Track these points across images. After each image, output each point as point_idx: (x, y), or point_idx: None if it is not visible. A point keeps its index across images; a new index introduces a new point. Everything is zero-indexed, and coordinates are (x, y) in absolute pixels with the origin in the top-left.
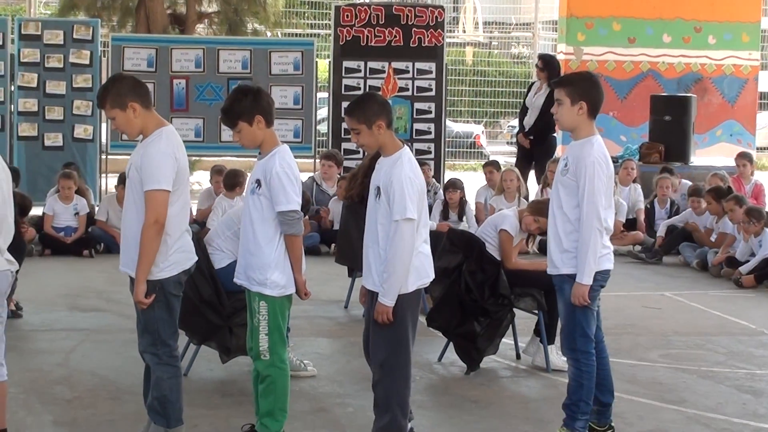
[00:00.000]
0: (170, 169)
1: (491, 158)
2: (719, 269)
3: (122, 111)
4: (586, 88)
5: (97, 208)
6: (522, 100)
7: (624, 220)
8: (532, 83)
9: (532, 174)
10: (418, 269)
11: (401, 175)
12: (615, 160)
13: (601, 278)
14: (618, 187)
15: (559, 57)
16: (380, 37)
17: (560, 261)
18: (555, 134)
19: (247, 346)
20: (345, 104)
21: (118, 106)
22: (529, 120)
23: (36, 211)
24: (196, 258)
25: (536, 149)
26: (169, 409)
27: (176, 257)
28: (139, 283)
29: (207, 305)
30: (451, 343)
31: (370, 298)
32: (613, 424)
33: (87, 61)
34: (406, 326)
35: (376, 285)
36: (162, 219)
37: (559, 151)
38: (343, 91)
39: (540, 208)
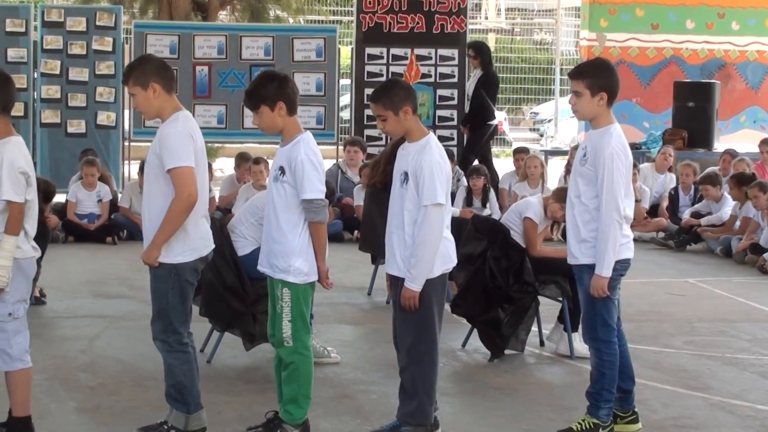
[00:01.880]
0: (189, 147)
1: (516, 145)
2: (743, 256)
3: (143, 90)
4: (605, 77)
5: (120, 195)
6: (538, 87)
7: (647, 207)
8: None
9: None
10: (443, 254)
11: (431, 161)
12: (638, 146)
13: (621, 267)
14: (653, 174)
15: (582, 43)
16: (403, 23)
17: (578, 251)
18: (491, 121)
19: (268, 333)
20: (368, 91)
21: (140, 84)
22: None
23: (59, 198)
24: (214, 245)
25: (471, 136)
26: (187, 395)
27: (194, 243)
28: (154, 246)
29: (230, 292)
30: (475, 330)
31: (395, 284)
32: (636, 410)
33: (110, 48)
34: (432, 311)
35: (401, 271)
36: (194, 194)
37: (581, 138)
38: (365, 78)
39: (566, 196)
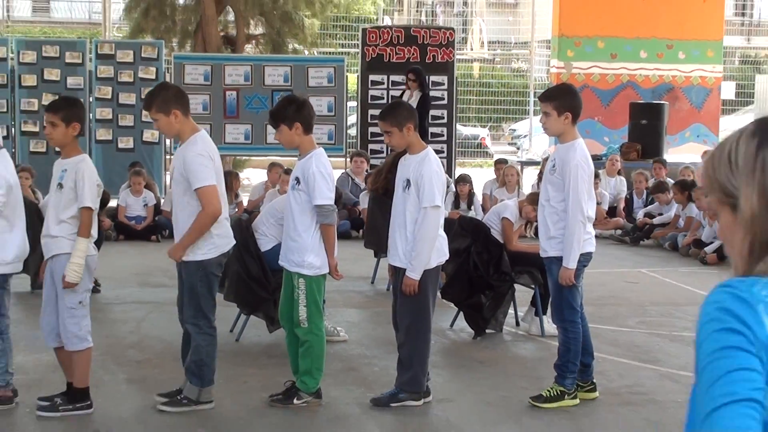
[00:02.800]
0: (210, 167)
1: (496, 157)
2: (687, 249)
3: (166, 116)
4: (569, 100)
5: (162, 200)
6: (515, 108)
7: (607, 208)
8: (403, 91)
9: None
10: (438, 249)
11: (430, 170)
12: (599, 158)
13: (585, 259)
14: (606, 178)
15: (552, 71)
16: (400, 54)
17: (548, 246)
18: (427, 136)
19: (279, 315)
20: (371, 111)
21: (162, 111)
22: None
23: (111, 203)
24: (234, 242)
25: None
26: (205, 371)
27: (217, 241)
28: (180, 246)
29: (255, 281)
30: (461, 313)
31: (396, 273)
32: (594, 381)
33: (153, 77)
34: (428, 296)
35: (402, 262)
36: (219, 209)
37: (551, 151)
38: (369, 101)
39: (538, 200)
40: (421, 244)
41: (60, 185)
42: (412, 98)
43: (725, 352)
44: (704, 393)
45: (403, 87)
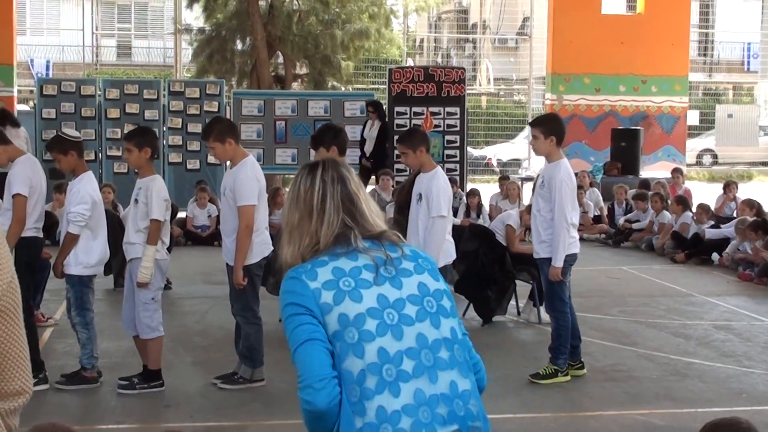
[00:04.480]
0: (255, 188)
1: (500, 175)
2: (661, 250)
3: (221, 144)
4: (553, 126)
5: None
6: (516, 133)
7: (592, 216)
8: (366, 121)
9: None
10: (445, 251)
11: (438, 185)
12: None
13: (570, 259)
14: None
15: (547, 102)
16: (420, 89)
17: (539, 248)
18: (387, 159)
19: None
20: (396, 137)
21: (219, 140)
22: (369, 147)
23: (180, 214)
24: (273, 248)
25: (376, 168)
26: (255, 354)
27: (258, 249)
28: (237, 270)
29: None
30: (471, 304)
31: None
32: (583, 360)
33: (216, 110)
34: None
35: None
36: (251, 225)
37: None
38: (394, 128)
39: None
40: (431, 248)
41: (136, 200)
42: (374, 127)
43: (291, 318)
44: (289, 340)
45: (423, 117)
